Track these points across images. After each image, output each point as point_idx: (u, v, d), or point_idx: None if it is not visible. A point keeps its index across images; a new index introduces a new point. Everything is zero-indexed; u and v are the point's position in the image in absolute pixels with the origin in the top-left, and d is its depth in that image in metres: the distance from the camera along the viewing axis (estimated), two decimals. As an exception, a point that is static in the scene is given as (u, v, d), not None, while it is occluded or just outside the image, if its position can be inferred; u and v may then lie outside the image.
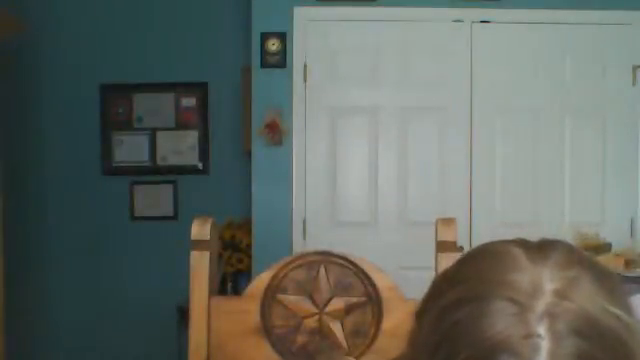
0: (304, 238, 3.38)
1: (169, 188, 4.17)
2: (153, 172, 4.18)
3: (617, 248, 3.22)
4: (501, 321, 0.56)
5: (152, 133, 4.17)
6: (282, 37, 3.41)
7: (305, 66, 3.44)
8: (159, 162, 4.18)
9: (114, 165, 4.16)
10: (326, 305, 1.24)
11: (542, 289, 0.57)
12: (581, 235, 3.32)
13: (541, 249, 0.61)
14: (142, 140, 4.17)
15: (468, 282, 0.61)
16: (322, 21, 3.46)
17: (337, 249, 1.31)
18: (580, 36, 3.49)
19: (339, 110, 3.46)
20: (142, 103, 4.16)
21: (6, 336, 3.32)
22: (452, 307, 0.60)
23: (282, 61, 3.42)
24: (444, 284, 0.64)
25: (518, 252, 0.61)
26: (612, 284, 0.60)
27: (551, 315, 0.55)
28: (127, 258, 4.13)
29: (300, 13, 3.44)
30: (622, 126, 3.50)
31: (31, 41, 4.01)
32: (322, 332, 1.23)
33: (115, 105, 4.16)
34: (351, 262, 1.26)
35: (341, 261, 1.26)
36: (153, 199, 4.17)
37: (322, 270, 1.24)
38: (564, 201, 3.49)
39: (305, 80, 3.44)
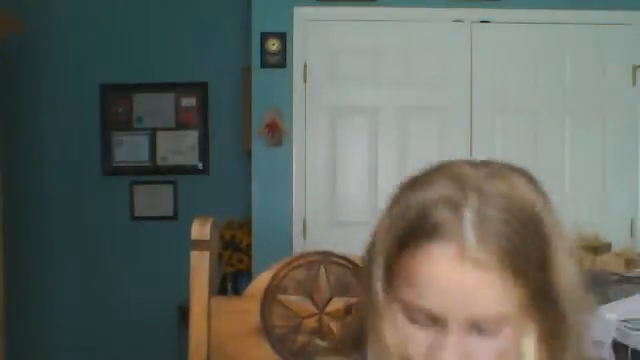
0: (304, 238, 3.38)
1: (169, 188, 4.17)
2: (153, 172, 4.17)
3: (617, 248, 3.22)
4: (443, 188, 0.73)
5: (152, 133, 4.17)
6: (282, 37, 3.41)
7: (305, 66, 3.44)
8: (159, 162, 4.18)
9: (114, 165, 4.16)
10: (326, 305, 1.24)
11: (479, 175, 0.74)
12: (581, 235, 3.31)
13: (482, 161, 0.78)
14: (142, 140, 4.17)
15: (420, 178, 0.78)
16: (322, 21, 3.45)
17: (337, 249, 1.31)
18: (580, 36, 3.49)
19: (339, 110, 3.45)
20: (142, 103, 4.16)
21: (6, 336, 3.32)
22: (405, 195, 0.77)
23: (282, 61, 3.42)
24: (401, 187, 0.80)
25: (463, 162, 0.77)
26: (539, 184, 0.78)
27: (483, 184, 0.73)
28: (127, 258, 4.12)
29: (300, 13, 3.44)
30: (622, 126, 3.50)
31: (31, 41, 4.01)
32: (322, 332, 1.23)
33: (115, 105, 4.16)
34: (351, 262, 1.26)
35: (341, 261, 1.26)
36: (153, 199, 4.17)
37: (322, 270, 1.24)
38: (564, 201, 3.49)
39: (305, 80, 3.43)
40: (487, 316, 0.70)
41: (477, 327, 0.71)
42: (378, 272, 0.76)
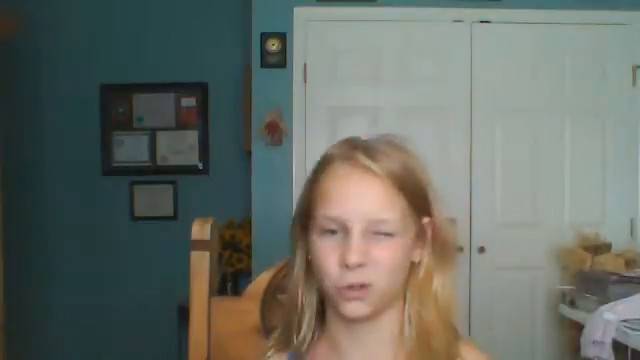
0: (304, 238, 3.38)
1: (169, 188, 4.17)
2: (153, 172, 4.17)
3: (617, 248, 3.22)
4: (340, 145, 0.95)
5: (152, 133, 4.16)
6: (282, 37, 3.41)
7: (305, 66, 3.43)
8: (159, 162, 4.18)
9: (114, 165, 4.16)
10: (326, 305, 1.23)
11: (368, 139, 0.95)
12: (581, 235, 3.32)
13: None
14: (142, 140, 4.17)
15: None
16: (322, 21, 3.45)
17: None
18: (580, 36, 3.49)
19: (339, 110, 3.45)
20: (142, 103, 4.16)
21: (6, 336, 3.32)
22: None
23: (282, 61, 3.42)
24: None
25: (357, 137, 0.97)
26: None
27: (371, 140, 0.94)
28: (127, 258, 4.12)
29: (300, 13, 3.44)
30: (622, 126, 3.50)
31: (31, 41, 4.01)
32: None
33: (115, 105, 4.16)
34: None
35: (341, 261, 1.26)
36: (153, 199, 4.17)
37: (322, 270, 1.24)
38: (564, 201, 3.49)
39: (305, 80, 3.43)
40: (380, 220, 0.89)
41: (375, 232, 0.89)
42: (296, 227, 0.97)
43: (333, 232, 0.90)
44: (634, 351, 2.27)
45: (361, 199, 0.89)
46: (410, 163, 0.93)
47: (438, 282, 0.95)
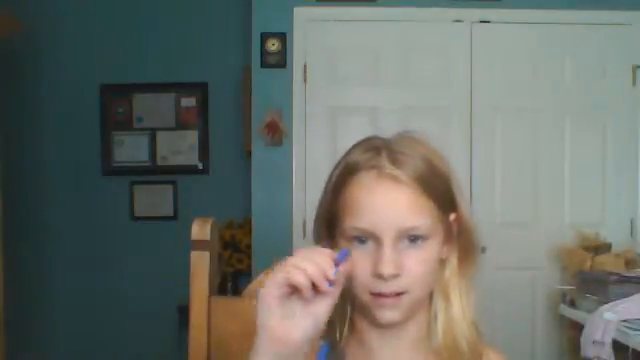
0: (304, 238, 3.38)
1: (169, 188, 4.17)
2: (153, 172, 4.17)
3: (617, 248, 3.22)
4: (361, 151, 0.92)
5: (152, 133, 4.16)
6: (282, 37, 3.41)
7: (305, 66, 3.44)
8: (159, 162, 4.17)
9: (114, 165, 4.16)
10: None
11: (389, 139, 0.93)
12: (581, 235, 3.32)
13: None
14: (142, 140, 4.17)
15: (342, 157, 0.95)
16: (322, 21, 3.46)
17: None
18: (580, 36, 3.49)
19: (339, 110, 3.45)
20: (142, 103, 4.16)
21: (6, 336, 3.32)
22: (334, 168, 0.94)
23: (282, 61, 3.42)
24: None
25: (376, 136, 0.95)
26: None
27: (392, 142, 0.92)
28: (127, 258, 4.12)
29: (300, 13, 3.44)
30: (622, 126, 3.51)
31: (31, 41, 4.01)
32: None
33: (115, 105, 4.16)
34: (351, 262, 1.26)
35: (341, 261, 1.26)
36: (153, 199, 4.17)
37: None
38: (564, 201, 3.49)
39: (305, 80, 3.44)
40: (411, 227, 0.87)
41: (406, 238, 0.88)
42: (320, 229, 0.97)
43: (362, 240, 0.89)
44: (634, 351, 2.27)
45: (390, 208, 0.88)
46: (434, 160, 0.91)
47: (463, 278, 0.95)
